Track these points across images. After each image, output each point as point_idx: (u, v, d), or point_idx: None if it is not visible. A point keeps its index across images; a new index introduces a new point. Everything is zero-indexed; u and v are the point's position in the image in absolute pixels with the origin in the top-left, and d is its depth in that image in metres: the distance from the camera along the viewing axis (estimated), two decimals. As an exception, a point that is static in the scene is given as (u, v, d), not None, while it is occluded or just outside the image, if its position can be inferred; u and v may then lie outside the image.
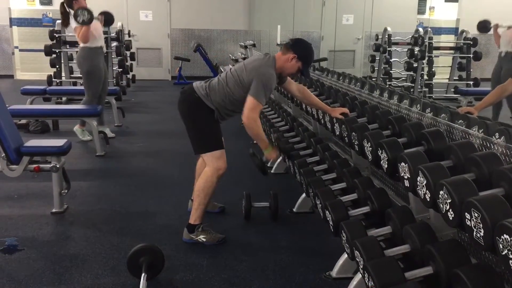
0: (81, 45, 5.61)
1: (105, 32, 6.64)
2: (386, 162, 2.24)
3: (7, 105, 3.81)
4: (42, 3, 11.19)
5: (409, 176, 2.02)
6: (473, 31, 7.62)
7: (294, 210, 3.70)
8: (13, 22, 11.17)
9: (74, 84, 8.37)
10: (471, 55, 7.51)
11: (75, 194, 3.94)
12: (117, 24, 8.77)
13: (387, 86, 5.25)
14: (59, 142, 3.65)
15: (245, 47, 8.11)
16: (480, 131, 2.19)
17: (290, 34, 7.09)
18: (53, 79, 8.15)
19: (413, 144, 2.30)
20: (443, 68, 8.18)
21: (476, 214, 1.57)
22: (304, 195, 3.57)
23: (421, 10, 7.80)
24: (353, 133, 2.69)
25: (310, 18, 8.62)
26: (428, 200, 1.88)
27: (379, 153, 2.30)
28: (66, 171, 3.68)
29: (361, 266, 2.10)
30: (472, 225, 1.60)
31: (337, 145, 3.83)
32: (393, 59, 7.72)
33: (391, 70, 7.64)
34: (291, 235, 3.34)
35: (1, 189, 4.03)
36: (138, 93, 9.60)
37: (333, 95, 3.65)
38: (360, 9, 5.94)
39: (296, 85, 3.41)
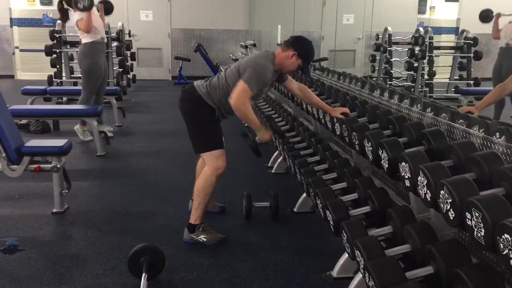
0: (83, 41, 5.61)
1: (106, 31, 6.62)
2: (387, 162, 2.24)
3: (7, 105, 3.81)
4: (42, 3, 11.21)
5: (409, 176, 2.02)
6: (473, 31, 7.63)
7: (295, 210, 3.70)
8: (14, 22, 11.18)
9: (75, 84, 8.37)
10: (472, 55, 7.51)
11: (75, 194, 3.94)
12: (117, 24, 8.79)
13: (388, 85, 5.24)
14: (60, 142, 3.65)
15: (246, 47, 8.12)
16: (481, 130, 2.19)
17: (291, 34, 7.06)
18: (54, 79, 8.16)
19: (414, 143, 2.29)
20: (443, 67, 8.18)
21: (476, 214, 1.57)
22: (304, 195, 3.57)
23: (421, 10, 7.79)
24: (354, 133, 2.69)
25: (310, 17, 8.61)
26: (429, 199, 1.88)
27: (380, 153, 2.30)
28: (67, 171, 3.68)
29: (362, 266, 2.10)
30: (473, 225, 1.59)
31: (337, 145, 3.83)
32: (393, 59, 7.72)
33: (392, 70, 7.64)
34: (292, 235, 3.34)
35: (1, 189, 4.03)
36: (139, 93, 9.61)
37: (334, 95, 3.65)
38: (360, 9, 5.94)
39: (297, 84, 3.41)
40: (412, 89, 6.92)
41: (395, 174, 2.21)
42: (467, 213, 1.62)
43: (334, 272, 2.74)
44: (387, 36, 7.72)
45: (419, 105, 2.78)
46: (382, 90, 3.39)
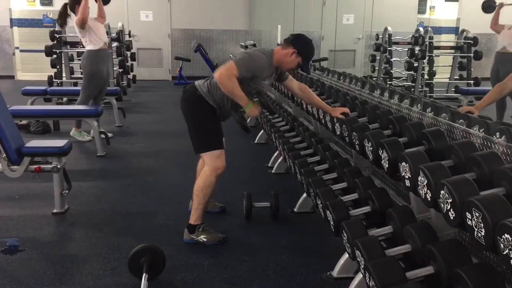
0: (87, 48, 5.62)
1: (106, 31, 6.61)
2: (387, 162, 2.24)
3: (8, 106, 3.81)
4: (42, 3, 11.21)
5: (410, 176, 2.02)
6: (473, 31, 7.63)
7: (295, 210, 3.70)
8: (14, 22, 11.18)
9: (75, 84, 8.37)
10: (472, 55, 7.51)
11: (76, 194, 3.94)
12: (117, 25, 8.79)
13: (388, 85, 5.24)
14: (60, 142, 3.65)
15: (246, 47, 8.12)
16: (481, 130, 2.19)
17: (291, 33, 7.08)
18: (54, 80, 8.16)
19: (414, 143, 2.29)
20: (443, 67, 8.18)
21: (477, 214, 1.57)
22: (305, 195, 3.57)
23: (421, 10, 7.80)
24: (354, 133, 2.69)
25: (310, 17, 8.61)
26: (429, 199, 1.88)
27: (380, 153, 2.30)
28: (67, 172, 3.68)
29: (362, 266, 2.10)
30: (473, 225, 1.59)
31: (337, 145, 3.83)
32: (393, 59, 7.72)
33: (392, 70, 7.64)
34: (292, 235, 3.34)
35: (2, 189, 4.03)
36: (139, 94, 9.61)
37: (334, 95, 3.65)
38: (360, 9, 5.94)
39: (298, 84, 3.41)
40: (412, 89, 6.93)
41: (395, 174, 2.21)
42: (467, 213, 1.62)
43: (335, 272, 2.74)
44: (387, 36, 7.72)
45: (419, 105, 2.78)
46: (382, 90, 3.40)
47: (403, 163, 2.07)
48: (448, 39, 9.29)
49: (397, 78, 7.75)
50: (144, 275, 2.52)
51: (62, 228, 3.41)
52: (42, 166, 3.55)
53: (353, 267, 2.64)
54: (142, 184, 4.32)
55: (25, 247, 3.07)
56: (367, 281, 2.01)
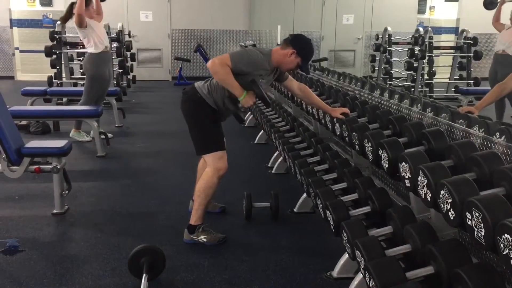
0: (88, 51, 5.63)
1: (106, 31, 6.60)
2: (387, 162, 2.24)
3: (7, 106, 3.81)
4: (42, 4, 11.21)
5: (410, 176, 2.02)
6: (473, 31, 7.63)
7: (295, 210, 3.70)
8: (14, 23, 11.19)
9: (75, 85, 8.37)
10: (472, 55, 7.52)
11: (75, 195, 3.94)
12: (117, 25, 8.79)
13: (388, 85, 5.24)
14: (60, 143, 3.65)
15: (245, 47, 8.12)
16: (481, 130, 2.19)
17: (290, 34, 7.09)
18: (54, 80, 8.16)
19: (414, 143, 2.30)
20: (443, 67, 8.18)
21: (477, 214, 1.57)
22: (304, 195, 3.57)
23: (421, 10, 7.80)
24: (354, 133, 2.69)
25: (310, 18, 8.62)
26: (429, 199, 1.88)
27: (380, 153, 2.30)
28: (67, 172, 3.68)
29: (362, 266, 2.10)
30: (473, 225, 1.59)
31: (337, 145, 3.83)
32: (393, 59, 7.72)
33: (392, 70, 7.64)
34: (292, 235, 3.34)
35: (2, 190, 4.03)
36: (139, 94, 9.61)
37: (334, 95, 3.65)
38: (360, 9, 5.95)
39: (298, 84, 3.41)
40: (412, 89, 6.93)
41: (395, 174, 2.21)
42: (467, 213, 1.62)
43: (335, 272, 2.74)
44: (387, 36, 7.72)
45: (419, 105, 2.78)
46: (382, 90, 3.40)
47: (403, 163, 2.07)
48: (448, 39, 9.29)
49: (397, 78, 7.75)
50: (144, 275, 2.52)
51: (62, 228, 3.41)
52: (42, 166, 3.55)
53: (353, 267, 2.64)
54: (142, 184, 4.32)
55: (25, 247, 3.07)
56: (367, 281, 2.01)
